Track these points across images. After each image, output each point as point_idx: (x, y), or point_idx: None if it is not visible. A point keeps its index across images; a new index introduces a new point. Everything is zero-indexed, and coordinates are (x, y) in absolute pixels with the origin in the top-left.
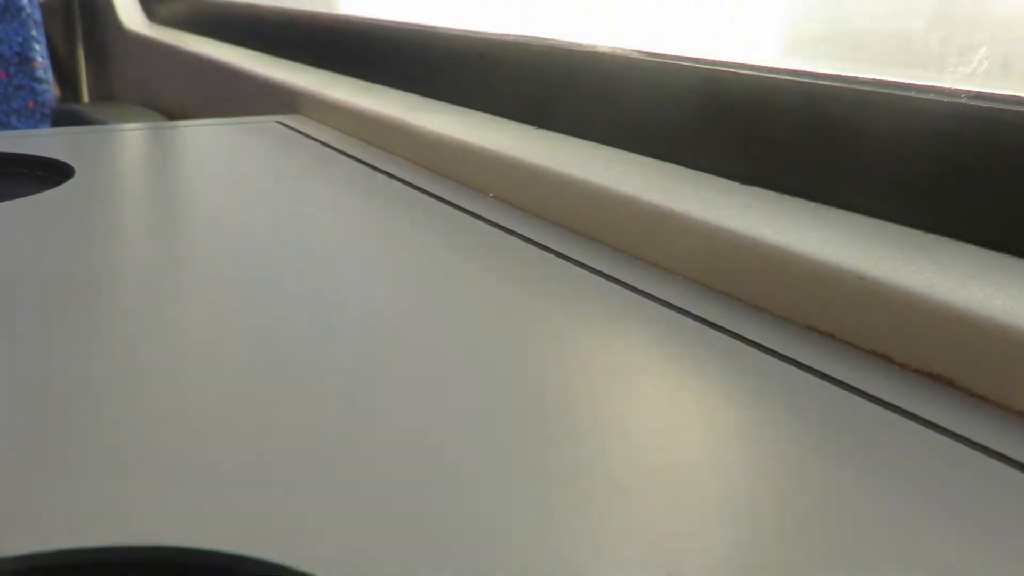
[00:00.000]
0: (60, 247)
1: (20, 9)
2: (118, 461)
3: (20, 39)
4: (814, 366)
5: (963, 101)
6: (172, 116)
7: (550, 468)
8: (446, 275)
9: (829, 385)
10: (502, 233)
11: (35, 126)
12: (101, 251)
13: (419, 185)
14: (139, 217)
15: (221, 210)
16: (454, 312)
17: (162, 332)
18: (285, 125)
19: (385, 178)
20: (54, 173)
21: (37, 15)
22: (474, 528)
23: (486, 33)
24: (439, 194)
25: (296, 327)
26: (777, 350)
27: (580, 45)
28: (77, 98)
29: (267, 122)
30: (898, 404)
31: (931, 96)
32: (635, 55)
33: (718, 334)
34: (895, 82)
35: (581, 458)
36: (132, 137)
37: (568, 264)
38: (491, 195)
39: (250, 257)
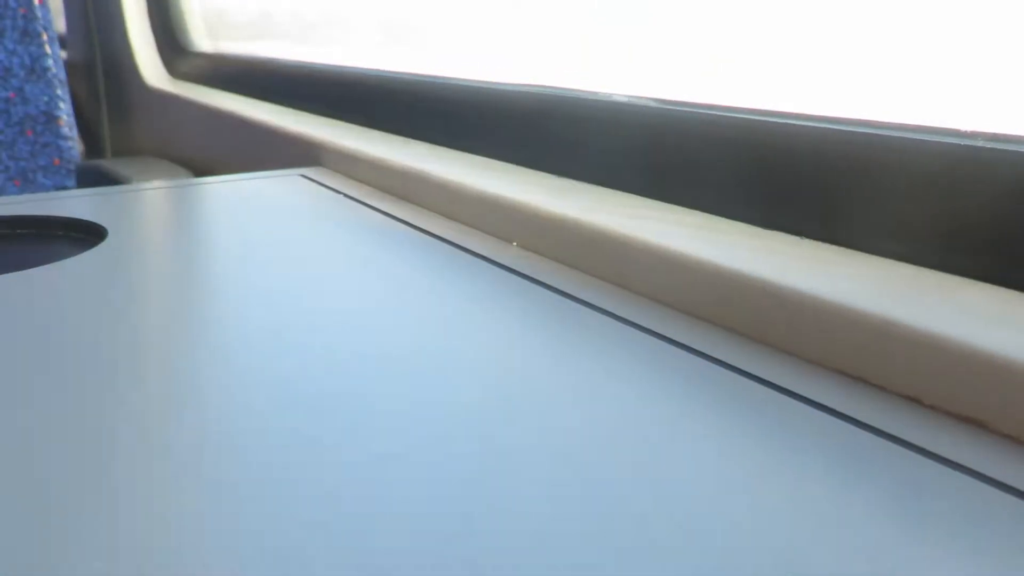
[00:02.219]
0: (95, 311)
1: (46, 69)
2: (136, 539)
3: (46, 98)
4: (844, 411)
5: (980, 144)
6: (194, 169)
7: (571, 518)
8: (470, 325)
9: (859, 430)
10: (527, 282)
11: (60, 182)
12: (135, 314)
13: (442, 235)
14: (172, 278)
15: (250, 269)
16: (479, 363)
17: (193, 401)
18: (308, 178)
19: (408, 229)
20: (87, 234)
21: (62, 74)
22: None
23: (506, 83)
24: (463, 244)
25: (327, 383)
26: (807, 395)
27: (599, 94)
28: (100, 153)
29: (290, 175)
30: (929, 448)
31: (949, 139)
32: (651, 104)
33: (747, 380)
34: (912, 125)
35: (607, 509)
36: (160, 195)
37: (593, 312)
38: (515, 244)
39: (281, 316)
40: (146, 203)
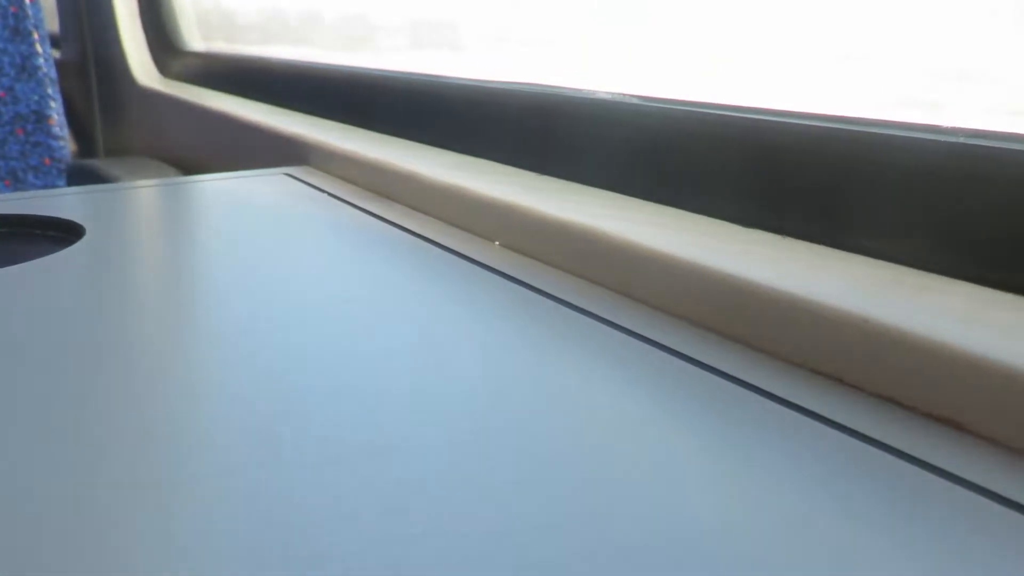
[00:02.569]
0: (68, 310)
1: (36, 68)
2: (118, 533)
3: (37, 97)
4: (819, 411)
5: (961, 140)
6: (185, 169)
7: (546, 519)
8: (450, 324)
9: (834, 431)
10: (508, 282)
11: (51, 182)
12: (109, 313)
13: (425, 235)
14: (149, 276)
15: (230, 267)
16: (459, 361)
17: (170, 397)
18: (294, 177)
19: (391, 227)
20: (65, 233)
21: (53, 73)
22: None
23: (492, 81)
24: (445, 243)
25: (307, 382)
26: (781, 395)
27: (583, 91)
28: (92, 153)
29: (276, 174)
30: (905, 449)
31: (929, 136)
32: (635, 100)
33: (722, 380)
34: (892, 122)
35: (575, 509)
36: (142, 194)
37: (573, 311)
38: (497, 243)
39: (260, 314)
40: (128, 202)
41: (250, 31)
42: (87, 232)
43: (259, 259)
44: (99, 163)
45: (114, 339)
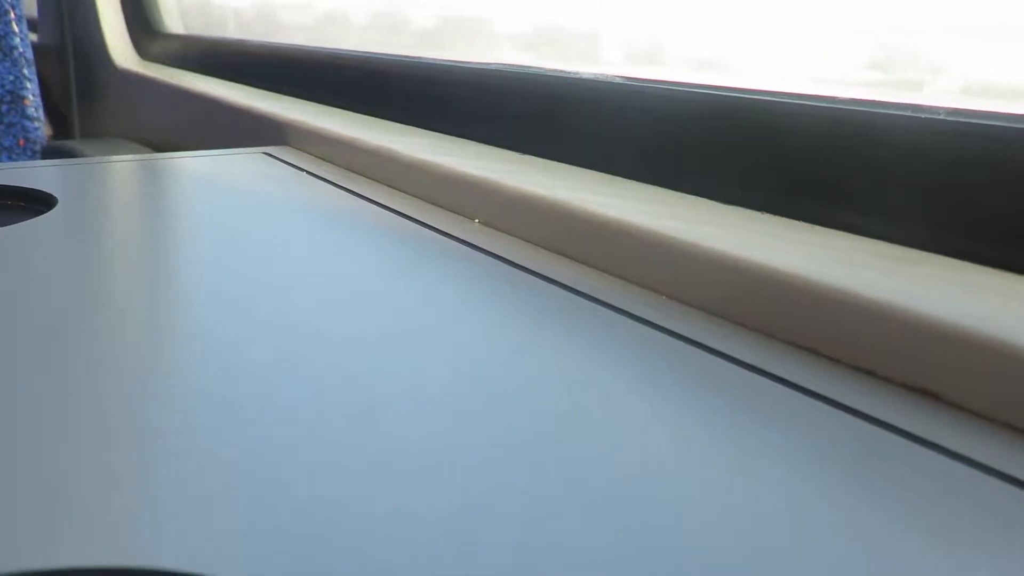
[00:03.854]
0: (37, 278)
1: (12, 48)
2: (85, 502)
3: (12, 77)
4: (796, 381)
5: (941, 117)
6: (162, 151)
7: (533, 481)
8: (429, 300)
9: (812, 400)
10: (488, 258)
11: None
12: (78, 283)
13: (405, 212)
14: (120, 248)
15: (204, 241)
16: (436, 338)
17: (138, 366)
18: (272, 156)
19: (371, 205)
20: (37, 204)
21: (29, 54)
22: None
23: (470, 62)
24: (426, 221)
25: (279, 357)
26: (759, 366)
27: (563, 72)
28: (69, 135)
29: (254, 153)
30: (882, 418)
31: (908, 113)
32: (617, 80)
33: (700, 351)
34: (873, 100)
35: (565, 471)
36: (119, 168)
37: (553, 287)
38: (477, 221)
39: (232, 288)
40: (103, 176)
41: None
42: (59, 203)
43: (233, 233)
44: (74, 144)
45: (81, 308)
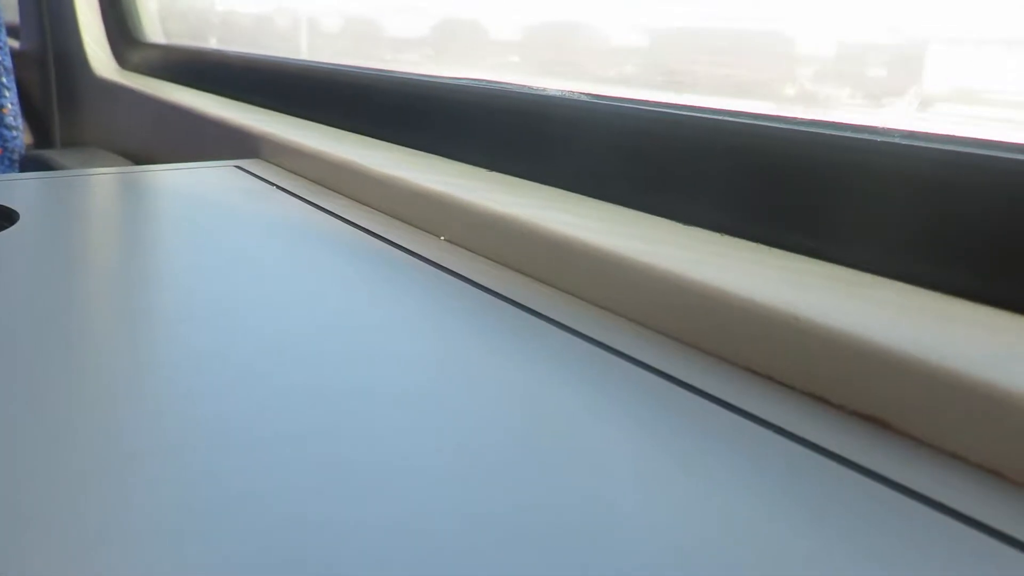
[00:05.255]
0: None
1: None
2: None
3: None
4: (749, 409)
5: (896, 141)
6: (139, 161)
7: (470, 508)
8: (392, 320)
9: (764, 430)
10: (451, 278)
11: (3, 172)
12: (29, 303)
13: (371, 229)
14: (79, 265)
15: (167, 257)
16: (397, 357)
17: (97, 380)
18: (243, 169)
19: (338, 222)
20: None
21: (8, 62)
22: None
23: (445, 78)
24: (391, 238)
25: (239, 373)
26: (713, 394)
27: (533, 89)
28: (49, 144)
29: (225, 167)
30: (833, 449)
31: (865, 136)
32: (585, 99)
33: (656, 377)
34: (830, 122)
35: (518, 491)
36: (86, 183)
37: (514, 308)
38: (443, 238)
39: (194, 305)
40: (70, 190)
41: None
42: (19, 218)
43: (197, 249)
44: (52, 154)
45: (30, 325)
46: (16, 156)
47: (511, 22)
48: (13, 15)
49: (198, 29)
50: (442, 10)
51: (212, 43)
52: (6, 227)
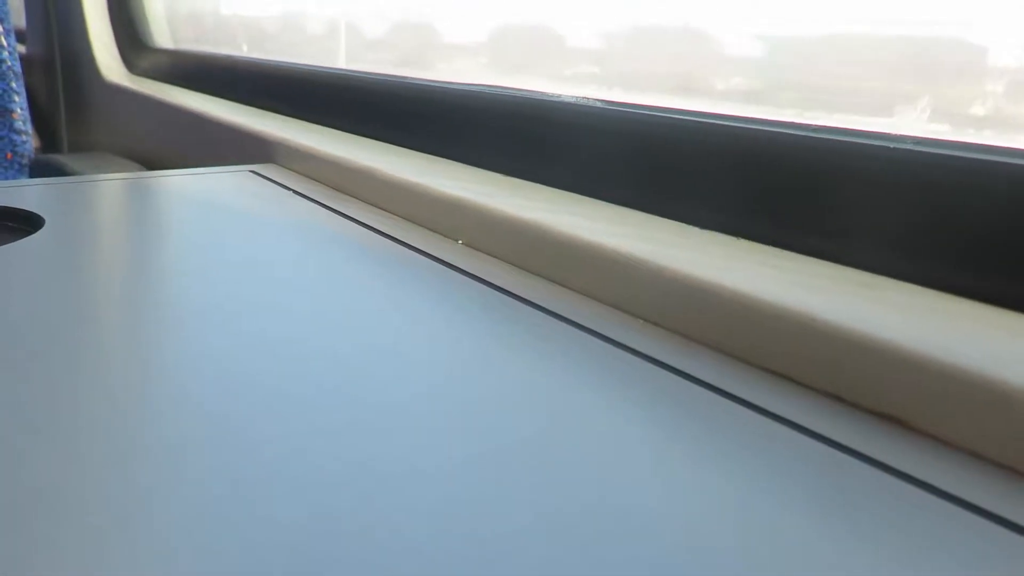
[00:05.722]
0: (23, 299)
1: (0, 62)
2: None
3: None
4: (767, 407)
5: (908, 147)
6: (149, 166)
7: (494, 506)
8: (409, 321)
9: (782, 427)
10: (469, 280)
11: (13, 176)
12: (64, 304)
13: (388, 232)
14: (107, 268)
15: (190, 261)
16: (417, 360)
17: (124, 387)
18: (258, 174)
19: (355, 225)
20: (24, 224)
21: (17, 67)
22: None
23: (456, 83)
24: (408, 241)
25: (262, 377)
26: (731, 392)
27: (546, 95)
28: (57, 149)
29: (240, 171)
30: (848, 444)
31: (879, 142)
32: (599, 104)
33: (674, 376)
34: (843, 128)
35: (538, 491)
36: (105, 187)
37: (533, 309)
38: (460, 242)
39: (217, 308)
40: (90, 195)
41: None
42: (47, 223)
43: (218, 254)
44: (62, 159)
45: (67, 329)
46: (25, 161)
47: (593, 27)
48: (20, 19)
49: (215, 35)
50: (517, 12)
51: (242, 49)
52: (31, 232)
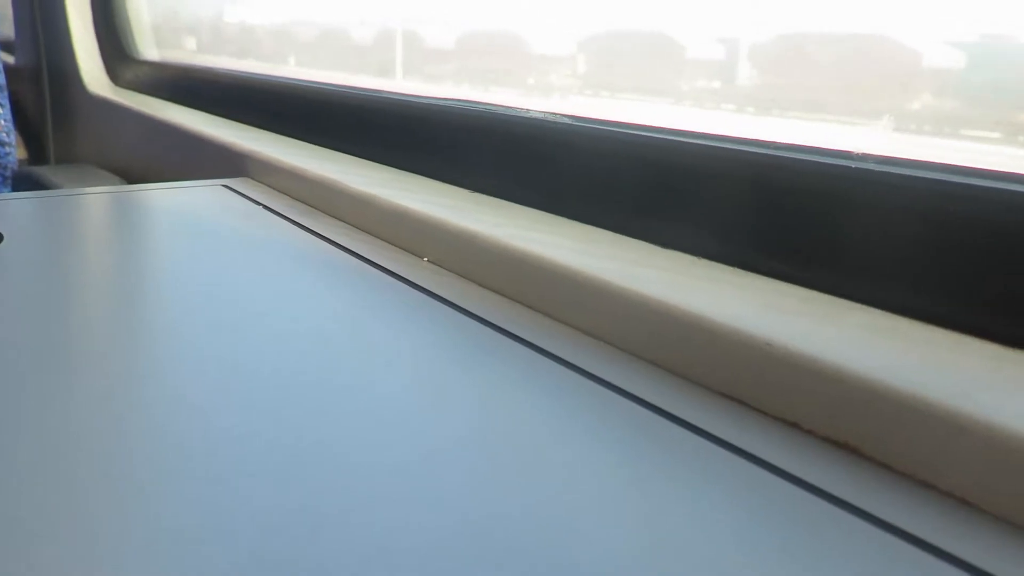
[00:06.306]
0: None
1: None
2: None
3: None
4: (720, 435)
5: (870, 167)
6: (131, 178)
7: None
8: (372, 341)
9: (734, 455)
10: (431, 299)
11: None
12: (12, 321)
13: (355, 250)
14: (60, 286)
15: (151, 277)
16: (374, 377)
17: (84, 397)
18: (231, 189)
19: (322, 242)
20: None
21: (1, 79)
22: None
23: (429, 98)
24: (374, 259)
25: (221, 394)
26: (683, 417)
27: (516, 110)
28: (43, 160)
29: (213, 186)
30: (801, 476)
31: (840, 161)
32: (567, 121)
33: (630, 402)
34: (805, 146)
35: (488, 508)
36: (73, 203)
37: (492, 331)
38: (426, 259)
39: (178, 326)
40: (57, 210)
41: None
42: (3, 240)
43: (181, 273)
44: (44, 171)
45: (15, 346)
46: (8, 173)
47: (713, 33)
48: (8, 30)
49: (232, 45)
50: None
51: (290, 66)
52: None
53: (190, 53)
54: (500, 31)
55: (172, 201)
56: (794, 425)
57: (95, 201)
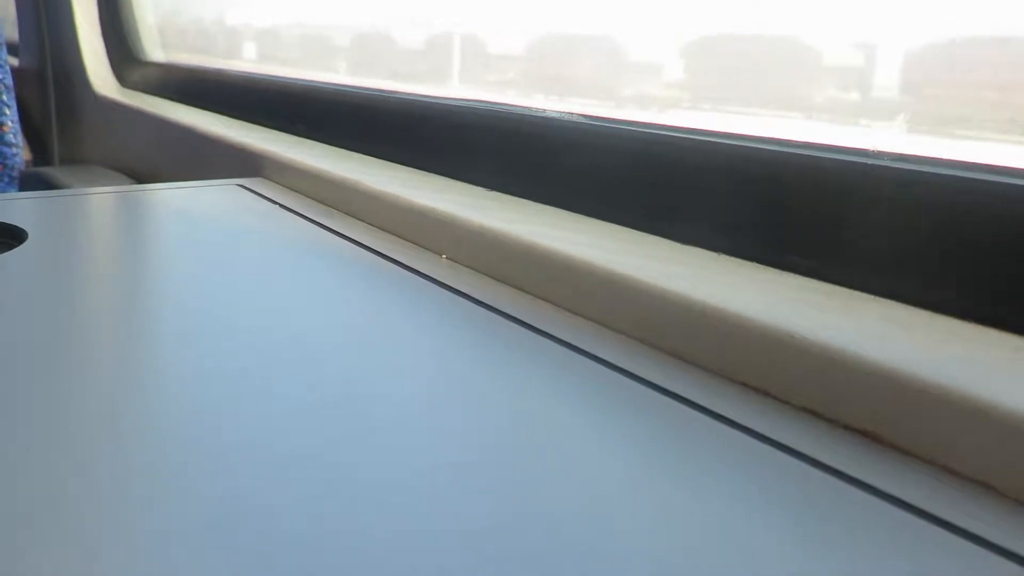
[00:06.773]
0: (3, 311)
1: None
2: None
3: None
4: (745, 423)
5: (887, 164)
6: (139, 179)
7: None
8: (393, 338)
9: (759, 443)
10: (452, 295)
11: (3, 189)
12: (42, 319)
13: (374, 247)
14: (89, 283)
15: (174, 276)
16: (397, 375)
17: (102, 405)
18: (246, 188)
19: (340, 240)
20: (7, 238)
21: (8, 80)
22: None
23: (445, 98)
24: (393, 256)
25: (245, 390)
26: (709, 407)
27: (532, 110)
28: (49, 161)
29: (228, 185)
30: (824, 461)
31: (857, 159)
32: (583, 120)
33: (654, 392)
34: (822, 144)
35: (514, 503)
36: (91, 201)
37: (513, 324)
38: (444, 257)
39: (200, 323)
40: (76, 209)
41: None
42: (29, 237)
43: (202, 270)
44: (52, 171)
45: (45, 344)
46: (16, 173)
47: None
48: (12, 31)
49: (254, 50)
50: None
51: (335, 73)
52: (14, 246)
53: (253, 63)
54: (587, 35)
55: (189, 200)
56: (815, 414)
57: (113, 200)
